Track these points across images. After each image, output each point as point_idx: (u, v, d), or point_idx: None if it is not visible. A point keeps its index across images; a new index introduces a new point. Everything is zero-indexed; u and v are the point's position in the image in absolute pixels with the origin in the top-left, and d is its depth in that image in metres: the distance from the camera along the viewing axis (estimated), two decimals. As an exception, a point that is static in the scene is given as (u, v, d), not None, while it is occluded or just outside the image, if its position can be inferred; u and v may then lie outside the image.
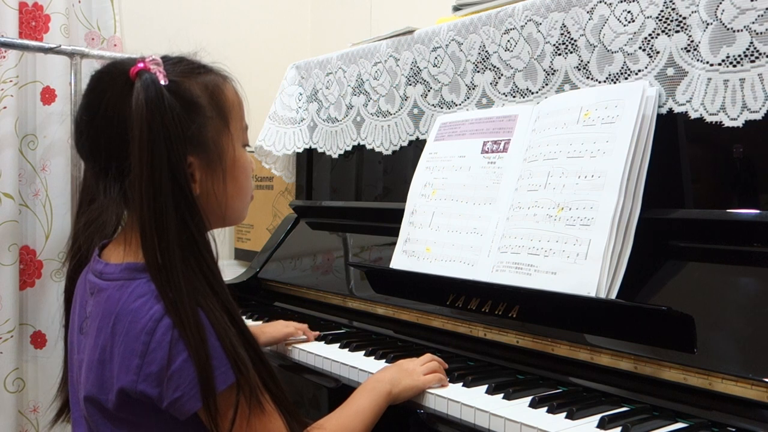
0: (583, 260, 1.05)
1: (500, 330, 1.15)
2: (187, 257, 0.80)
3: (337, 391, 1.14)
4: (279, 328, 1.35)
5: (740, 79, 1.00)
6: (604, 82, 1.19)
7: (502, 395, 0.98)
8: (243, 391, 0.78)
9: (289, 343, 1.33)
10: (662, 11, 1.10)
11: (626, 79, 1.15)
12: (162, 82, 0.81)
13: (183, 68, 0.86)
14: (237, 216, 0.92)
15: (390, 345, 1.29)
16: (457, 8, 1.53)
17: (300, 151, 1.89)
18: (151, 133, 0.78)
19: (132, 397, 0.79)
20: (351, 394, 0.99)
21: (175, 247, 0.79)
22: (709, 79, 1.03)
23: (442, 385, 1.04)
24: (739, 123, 1.00)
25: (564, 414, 0.90)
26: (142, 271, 0.81)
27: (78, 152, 0.88)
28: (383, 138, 1.66)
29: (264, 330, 1.35)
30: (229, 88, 0.90)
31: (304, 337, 1.35)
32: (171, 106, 0.80)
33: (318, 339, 1.35)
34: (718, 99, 1.02)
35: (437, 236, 1.34)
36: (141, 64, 0.81)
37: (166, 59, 0.85)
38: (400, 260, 1.40)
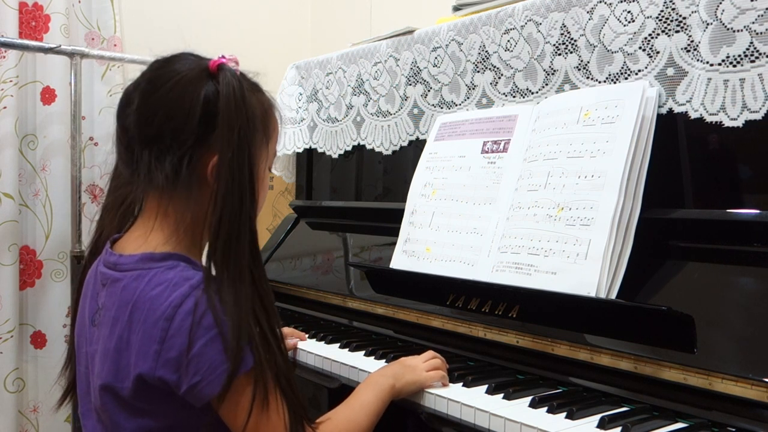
0: (583, 260, 1.05)
1: (500, 330, 1.15)
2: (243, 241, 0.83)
3: (337, 391, 1.14)
4: None
5: (740, 79, 1.00)
6: (604, 82, 1.19)
7: (502, 395, 0.98)
8: (257, 379, 0.80)
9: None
10: (662, 11, 1.10)
11: (626, 79, 1.15)
12: None
13: (245, 81, 0.90)
14: None
15: (390, 345, 1.29)
16: (457, 8, 1.53)
17: (300, 151, 1.89)
18: (239, 121, 0.83)
19: (149, 384, 0.80)
20: (354, 390, 0.99)
21: (245, 229, 0.83)
22: (709, 79, 1.03)
23: (443, 384, 1.04)
24: (739, 123, 1.00)
25: (564, 414, 0.90)
26: (158, 260, 0.84)
27: (119, 122, 0.88)
28: (383, 138, 1.66)
29: None
30: (276, 114, 0.95)
31: (296, 340, 1.34)
32: (249, 102, 0.86)
33: (318, 339, 1.35)
34: (718, 99, 1.02)
35: (437, 236, 1.34)
36: (223, 59, 0.86)
37: None
38: (400, 260, 1.40)
